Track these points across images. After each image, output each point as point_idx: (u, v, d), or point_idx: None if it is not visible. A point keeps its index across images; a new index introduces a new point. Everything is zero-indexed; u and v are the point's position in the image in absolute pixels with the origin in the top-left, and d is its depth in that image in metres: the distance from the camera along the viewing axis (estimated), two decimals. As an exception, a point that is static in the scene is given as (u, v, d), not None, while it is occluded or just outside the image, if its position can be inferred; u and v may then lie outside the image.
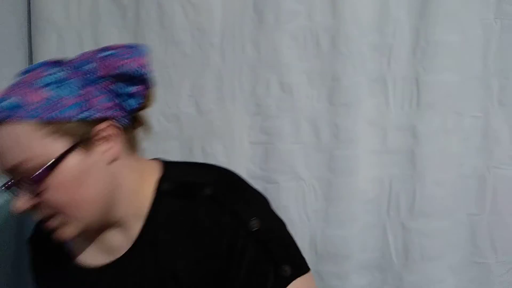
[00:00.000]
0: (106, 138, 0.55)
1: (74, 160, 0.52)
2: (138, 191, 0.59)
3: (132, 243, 0.59)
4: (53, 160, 0.50)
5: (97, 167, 0.54)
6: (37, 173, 0.50)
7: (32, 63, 0.93)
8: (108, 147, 0.55)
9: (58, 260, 0.64)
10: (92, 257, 0.62)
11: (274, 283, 0.55)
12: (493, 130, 0.84)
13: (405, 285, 0.87)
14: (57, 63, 0.56)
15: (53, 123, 0.51)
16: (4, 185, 0.54)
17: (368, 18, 0.84)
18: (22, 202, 0.52)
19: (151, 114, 0.91)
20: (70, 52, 0.90)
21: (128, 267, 0.59)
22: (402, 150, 0.86)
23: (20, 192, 0.52)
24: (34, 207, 0.53)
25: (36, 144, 0.50)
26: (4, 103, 0.50)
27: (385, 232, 0.88)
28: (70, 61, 0.56)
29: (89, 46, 0.91)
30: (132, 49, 0.55)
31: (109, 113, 0.55)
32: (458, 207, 0.86)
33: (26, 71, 0.56)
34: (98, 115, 0.53)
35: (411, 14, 0.83)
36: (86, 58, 0.55)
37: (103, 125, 0.54)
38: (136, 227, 0.59)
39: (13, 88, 0.52)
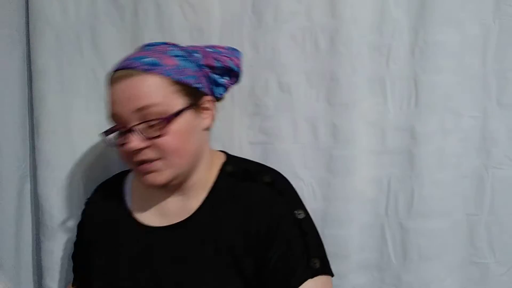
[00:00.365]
0: (206, 109, 0.69)
1: (187, 117, 0.65)
2: (209, 166, 0.71)
3: (192, 212, 0.68)
4: (177, 110, 0.63)
5: (198, 129, 0.68)
6: (166, 115, 0.62)
7: (30, 63, 0.93)
8: (207, 116, 0.70)
9: (118, 217, 0.73)
10: (148, 217, 0.71)
11: (303, 271, 0.62)
12: (492, 130, 0.84)
13: (404, 285, 0.87)
14: (175, 45, 0.71)
15: (179, 84, 0.65)
16: (116, 128, 0.65)
17: (367, 18, 0.84)
18: (137, 142, 0.62)
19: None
20: (69, 52, 0.91)
21: (187, 233, 0.67)
22: (401, 150, 0.86)
23: (133, 135, 0.63)
24: (142, 149, 0.63)
25: (166, 95, 0.63)
26: (146, 59, 0.64)
27: (384, 232, 0.88)
28: (183, 47, 0.71)
29: (87, 46, 0.92)
30: (232, 51, 0.73)
31: (208, 92, 0.70)
32: (456, 207, 0.86)
33: (151, 45, 0.70)
34: (205, 90, 0.69)
35: (410, 14, 0.83)
36: (195, 49, 0.71)
37: (208, 98, 0.70)
38: (197, 198, 0.69)
39: (148, 52, 0.66)
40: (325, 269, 0.65)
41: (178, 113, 0.63)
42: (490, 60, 0.83)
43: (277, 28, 0.86)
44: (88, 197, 0.82)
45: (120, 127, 0.65)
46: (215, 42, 0.88)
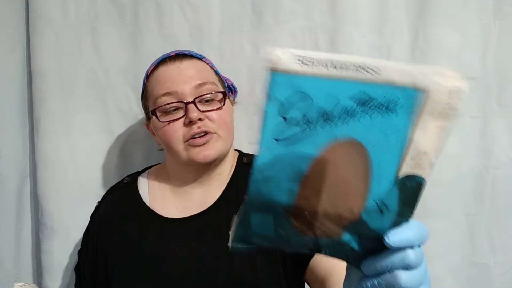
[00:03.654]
0: (232, 102, 0.79)
1: (228, 102, 0.75)
2: (232, 158, 0.77)
3: (213, 202, 0.72)
4: (226, 91, 0.75)
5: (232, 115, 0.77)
6: (222, 91, 0.73)
7: (30, 63, 0.93)
8: (232, 108, 0.78)
9: (139, 215, 0.74)
10: (170, 211, 0.74)
11: None
12: (492, 130, 0.84)
13: (404, 285, 0.87)
14: None
15: (219, 77, 0.77)
16: (173, 103, 0.70)
17: (367, 19, 0.84)
18: (196, 114, 0.68)
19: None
20: (68, 52, 0.91)
21: (209, 221, 0.70)
22: (401, 150, 0.86)
23: (192, 108, 0.69)
24: (200, 120, 0.69)
25: (216, 79, 0.75)
26: (195, 53, 0.77)
27: (384, 232, 0.88)
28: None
29: (87, 46, 0.92)
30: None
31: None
32: (456, 207, 0.86)
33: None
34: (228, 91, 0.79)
35: (410, 14, 0.83)
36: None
37: (231, 98, 0.80)
38: (218, 189, 0.73)
39: (192, 52, 0.77)
40: None
41: (226, 94, 0.73)
42: (490, 61, 0.83)
43: (277, 28, 0.86)
44: (99, 201, 0.81)
45: (177, 102, 0.69)
46: (215, 41, 0.89)
